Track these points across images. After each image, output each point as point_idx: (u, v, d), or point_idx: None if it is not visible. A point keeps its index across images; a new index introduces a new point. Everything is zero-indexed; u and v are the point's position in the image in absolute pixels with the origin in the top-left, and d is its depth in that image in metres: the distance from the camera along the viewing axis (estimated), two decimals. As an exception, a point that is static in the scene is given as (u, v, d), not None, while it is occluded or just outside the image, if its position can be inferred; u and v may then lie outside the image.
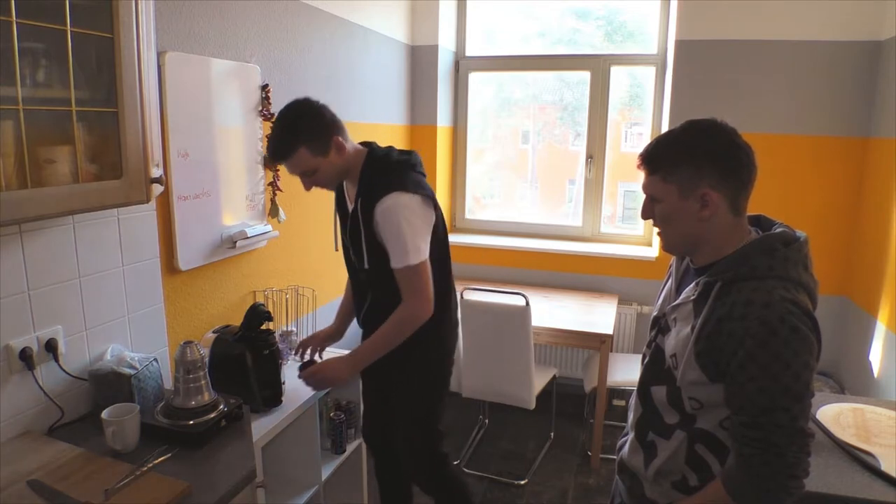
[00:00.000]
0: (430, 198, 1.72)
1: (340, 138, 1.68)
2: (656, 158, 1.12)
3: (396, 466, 2.13)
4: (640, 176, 1.16)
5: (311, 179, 1.70)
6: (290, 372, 2.05)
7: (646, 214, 1.17)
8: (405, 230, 1.63)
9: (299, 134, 1.62)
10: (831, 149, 2.94)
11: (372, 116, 3.02)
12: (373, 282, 1.79)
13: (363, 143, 1.80)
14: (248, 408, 1.58)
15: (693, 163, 1.08)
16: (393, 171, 1.71)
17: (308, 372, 1.77)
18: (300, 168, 1.67)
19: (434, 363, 1.90)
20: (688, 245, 1.17)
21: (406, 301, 1.70)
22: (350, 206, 1.76)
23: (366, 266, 1.75)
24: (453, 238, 3.70)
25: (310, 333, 2.25)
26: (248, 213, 2.14)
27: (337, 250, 1.91)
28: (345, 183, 1.82)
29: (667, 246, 1.20)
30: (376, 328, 1.75)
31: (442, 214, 1.82)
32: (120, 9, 1.21)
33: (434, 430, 1.94)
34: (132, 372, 1.48)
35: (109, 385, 1.48)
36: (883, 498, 1.29)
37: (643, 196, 1.17)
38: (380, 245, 1.69)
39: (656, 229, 1.19)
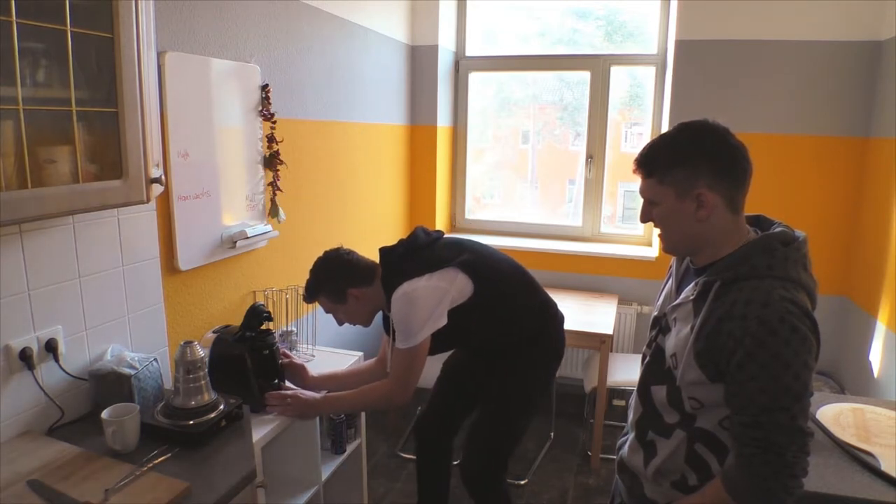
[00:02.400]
0: (437, 269, 1.82)
1: (356, 290, 1.85)
2: (651, 162, 1.13)
3: (443, 465, 2.21)
4: (640, 178, 1.16)
5: (337, 318, 1.93)
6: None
7: (644, 218, 1.18)
8: (410, 314, 1.76)
9: (319, 286, 1.88)
10: (831, 149, 2.94)
11: (372, 116, 3.02)
12: (462, 340, 1.98)
13: (380, 263, 1.90)
14: (248, 408, 1.58)
15: (687, 164, 1.09)
16: (399, 266, 1.85)
17: (280, 395, 1.80)
18: (325, 308, 1.92)
19: (549, 375, 2.07)
20: (687, 246, 1.18)
21: (391, 382, 1.83)
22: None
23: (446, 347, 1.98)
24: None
25: (311, 334, 2.25)
26: (248, 213, 2.14)
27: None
28: None
29: (667, 247, 1.20)
30: (496, 360, 1.98)
31: (478, 254, 1.90)
32: (120, 9, 1.21)
33: (516, 435, 2.01)
34: (132, 372, 1.48)
35: (109, 385, 1.48)
36: (883, 498, 1.29)
37: (642, 200, 1.17)
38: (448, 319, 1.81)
39: (657, 230, 1.19)
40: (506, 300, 1.92)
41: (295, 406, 1.79)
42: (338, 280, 1.85)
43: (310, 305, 2.36)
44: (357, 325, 1.96)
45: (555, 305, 2.07)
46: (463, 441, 2.05)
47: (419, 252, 1.88)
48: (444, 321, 1.79)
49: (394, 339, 1.82)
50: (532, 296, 2.00)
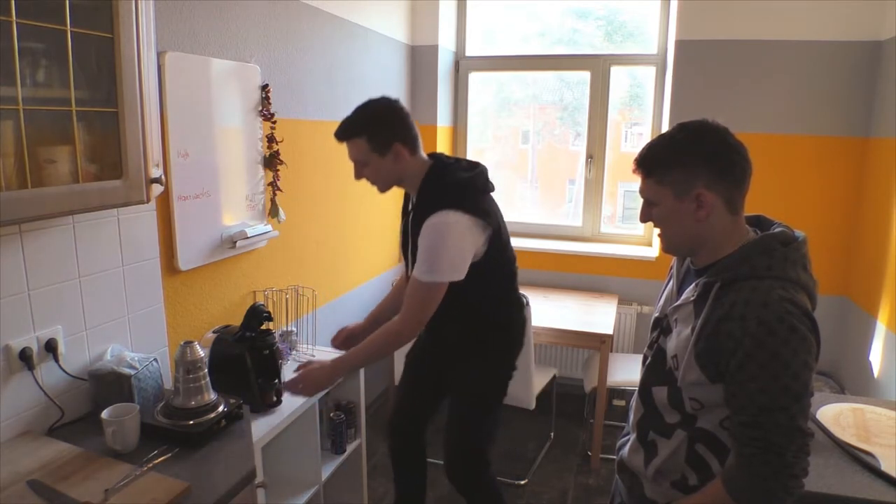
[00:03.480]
0: (482, 220, 1.71)
1: (403, 148, 1.71)
2: (650, 162, 1.13)
3: (418, 462, 2.18)
4: (639, 178, 1.16)
5: (361, 171, 1.76)
6: (289, 372, 2.06)
7: (644, 218, 1.18)
8: (441, 248, 1.65)
9: (366, 125, 1.69)
10: (831, 148, 2.94)
11: (372, 116, 3.01)
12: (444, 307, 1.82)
13: (431, 155, 1.82)
14: (248, 408, 1.58)
15: (686, 164, 1.09)
16: (451, 188, 1.71)
17: (292, 383, 1.74)
18: (355, 155, 1.73)
19: (508, 358, 1.96)
20: (687, 246, 1.18)
21: (404, 316, 1.71)
22: (410, 213, 1.81)
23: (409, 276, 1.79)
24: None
25: (311, 334, 2.24)
26: (248, 213, 2.14)
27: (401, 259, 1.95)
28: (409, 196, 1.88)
29: (667, 247, 1.20)
30: (446, 334, 1.88)
31: (501, 226, 1.82)
32: (120, 9, 1.21)
33: (491, 428, 1.97)
34: (132, 372, 1.48)
35: (109, 385, 1.48)
36: (883, 498, 1.29)
37: (642, 200, 1.18)
38: None
39: (657, 230, 1.19)
40: (502, 279, 1.88)
41: (309, 385, 1.73)
42: (392, 126, 1.69)
43: (310, 305, 2.36)
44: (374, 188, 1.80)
45: (526, 300, 2.08)
46: (442, 441, 2.01)
47: (478, 186, 1.76)
48: (464, 273, 1.68)
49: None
50: (516, 283, 1.96)
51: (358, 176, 1.78)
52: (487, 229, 1.73)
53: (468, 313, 1.84)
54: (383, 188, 1.81)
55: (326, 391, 1.79)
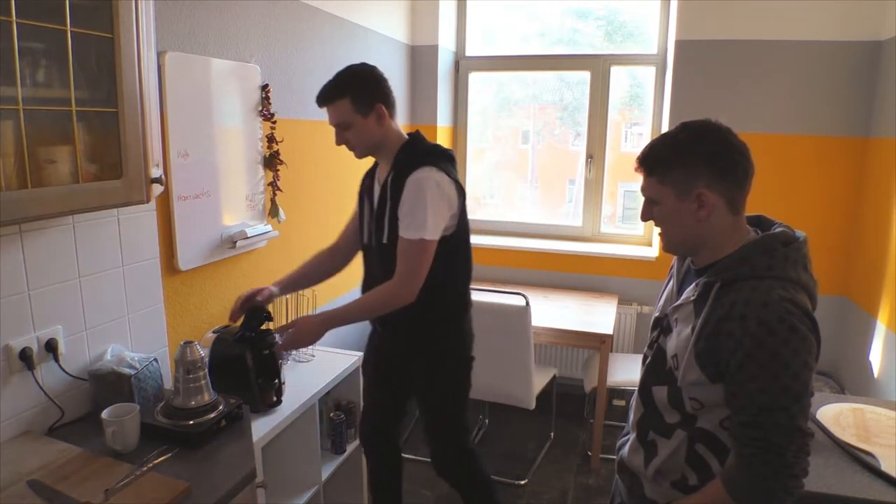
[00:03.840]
0: (459, 184, 1.76)
1: (385, 108, 1.74)
2: (652, 161, 1.13)
3: (394, 466, 2.14)
4: (640, 176, 1.16)
5: (343, 134, 1.76)
6: (289, 372, 2.06)
7: (645, 216, 1.18)
8: (429, 204, 1.65)
9: (349, 85, 1.71)
10: (831, 148, 2.94)
11: (372, 116, 3.02)
12: (388, 260, 1.77)
13: (410, 134, 1.83)
14: (248, 408, 1.57)
15: (688, 163, 1.09)
16: (430, 153, 1.75)
17: (285, 343, 1.73)
18: (338, 118, 1.73)
19: (469, 345, 1.93)
20: (688, 245, 1.18)
21: (399, 278, 1.69)
22: (379, 185, 1.80)
23: (384, 241, 1.76)
24: (453, 238, 3.70)
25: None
26: (248, 213, 2.14)
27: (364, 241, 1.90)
28: (377, 168, 1.87)
29: (667, 247, 1.20)
30: (399, 323, 1.81)
31: (465, 210, 1.83)
32: (120, 9, 1.21)
33: (465, 420, 1.96)
34: (132, 372, 1.48)
35: (109, 385, 1.48)
36: (883, 498, 1.29)
37: (643, 198, 1.17)
38: None
39: (658, 229, 1.19)
40: (466, 262, 1.87)
41: (299, 336, 1.72)
42: (375, 87, 1.74)
43: (309, 305, 2.36)
44: (352, 153, 1.81)
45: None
46: (425, 440, 2.01)
47: (451, 161, 1.79)
48: (439, 234, 1.69)
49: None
50: (470, 277, 1.93)
51: (339, 141, 1.78)
52: (460, 198, 1.77)
53: (429, 295, 1.73)
54: (362, 153, 1.80)
55: (325, 393, 1.78)
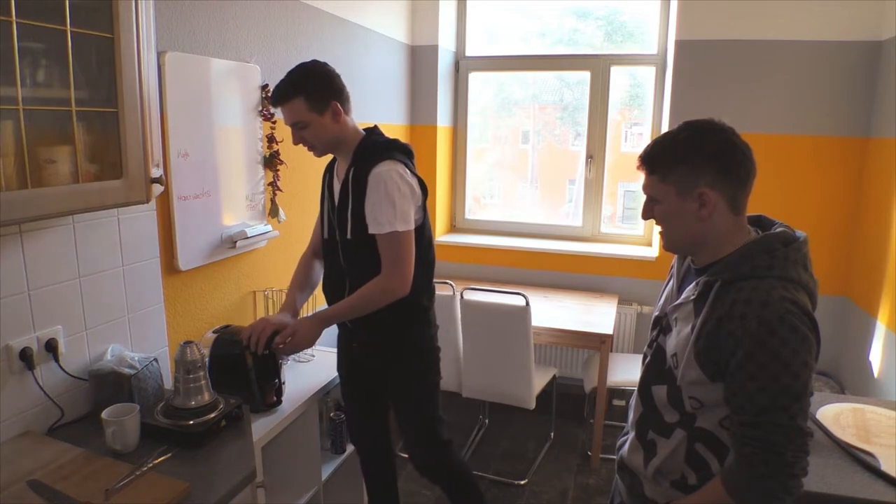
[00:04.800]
0: (420, 179, 1.78)
1: (339, 105, 1.73)
2: (654, 159, 1.13)
3: (387, 467, 2.15)
4: (641, 176, 1.16)
5: (300, 134, 1.74)
6: (289, 372, 2.06)
7: (646, 215, 1.18)
8: (396, 196, 1.66)
9: (302, 85, 1.69)
10: (831, 149, 2.94)
11: (372, 116, 3.01)
12: (352, 255, 1.78)
13: (366, 129, 1.83)
14: (248, 408, 1.58)
15: (690, 162, 1.09)
16: (389, 147, 1.76)
17: (283, 340, 1.72)
18: (293, 118, 1.72)
19: (431, 341, 1.93)
20: (688, 245, 1.18)
21: (386, 272, 1.69)
22: (339, 180, 1.80)
23: (348, 236, 1.76)
24: (453, 238, 3.71)
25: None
26: (248, 213, 2.14)
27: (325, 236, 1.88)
28: (336, 164, 1.86)
29: (667, 245, 1.20)
30: (364, 325, 1.79)
31: (426, 208, 1.83)
32: (120, 9, 1.21)
33: (436, 415, 1.95)
34: (132, 372, 1.48)
35: (109, 385, 1.48)
36: (883, 498, 1.29)
37: (644, 196, 1.17)
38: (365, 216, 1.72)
39: (658, 228, 1.19)
40: (429, 257, 1.86)
41: (300, 342, 1.72)
42: (329, 84, 1.73)
43: (309, 306, 2.36)
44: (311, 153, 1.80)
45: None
46: (400, 437, 2.01)
47: (409, 156, 1.81)
48: (411, 224, 1.70)
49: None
50: (431, 267, 1.92)
51: (296, 140, 1.77)
52: (423, 193, 1.78)
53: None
54: (321, 151, 1.80)
55: (325, 391, 1.78)
